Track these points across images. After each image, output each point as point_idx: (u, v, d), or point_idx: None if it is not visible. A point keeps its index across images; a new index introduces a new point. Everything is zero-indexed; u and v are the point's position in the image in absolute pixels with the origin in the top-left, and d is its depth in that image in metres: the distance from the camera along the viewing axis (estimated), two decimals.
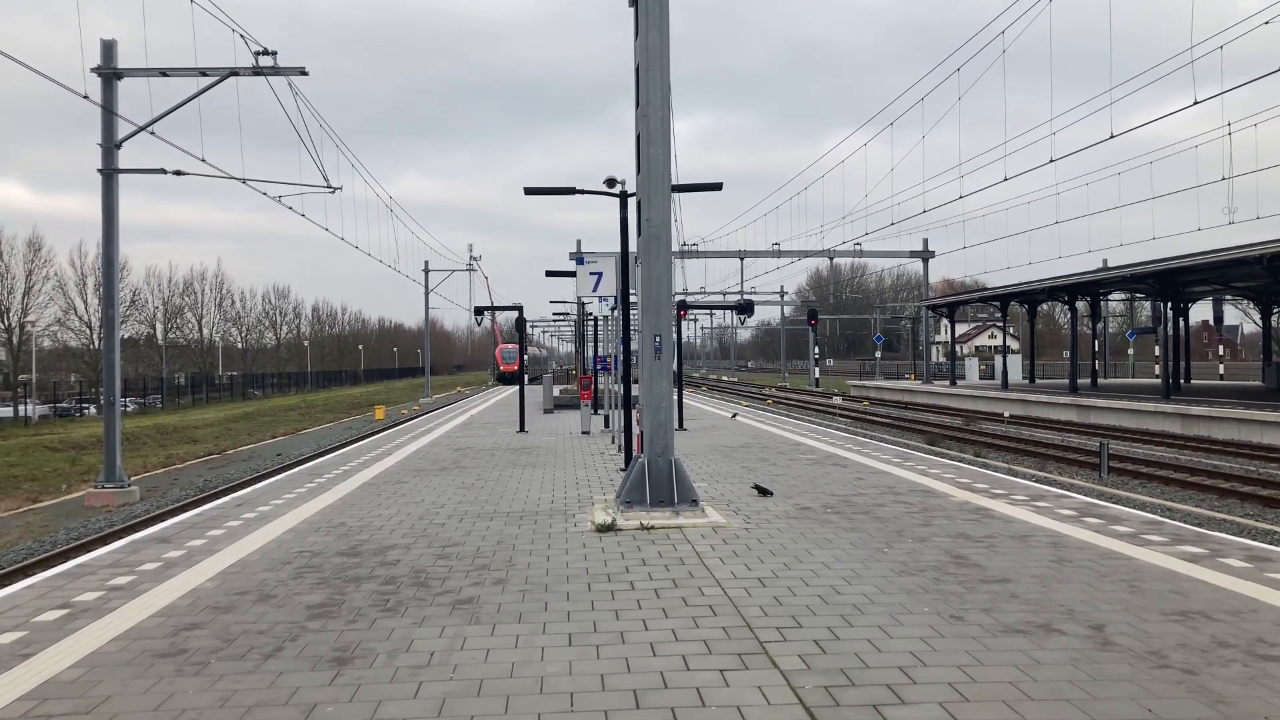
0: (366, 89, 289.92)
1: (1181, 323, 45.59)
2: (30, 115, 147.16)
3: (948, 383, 53.43)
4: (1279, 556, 7.90)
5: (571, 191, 14.95)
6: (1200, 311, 61.55)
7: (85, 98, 17.94)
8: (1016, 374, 54.03)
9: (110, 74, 20.80)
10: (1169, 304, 38.52)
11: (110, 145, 20.96)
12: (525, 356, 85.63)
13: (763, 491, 11.53)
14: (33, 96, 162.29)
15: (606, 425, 21.61)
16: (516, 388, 29.74)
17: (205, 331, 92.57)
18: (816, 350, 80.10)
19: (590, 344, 32.29)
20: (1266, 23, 16.91)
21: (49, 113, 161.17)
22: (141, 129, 20.81)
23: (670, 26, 10.46)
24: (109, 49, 20.87)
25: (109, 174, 21.05)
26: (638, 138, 10.60)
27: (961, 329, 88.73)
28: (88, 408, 52.83)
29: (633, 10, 10.61)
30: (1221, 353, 66.13)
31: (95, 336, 64.01)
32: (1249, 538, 11.37)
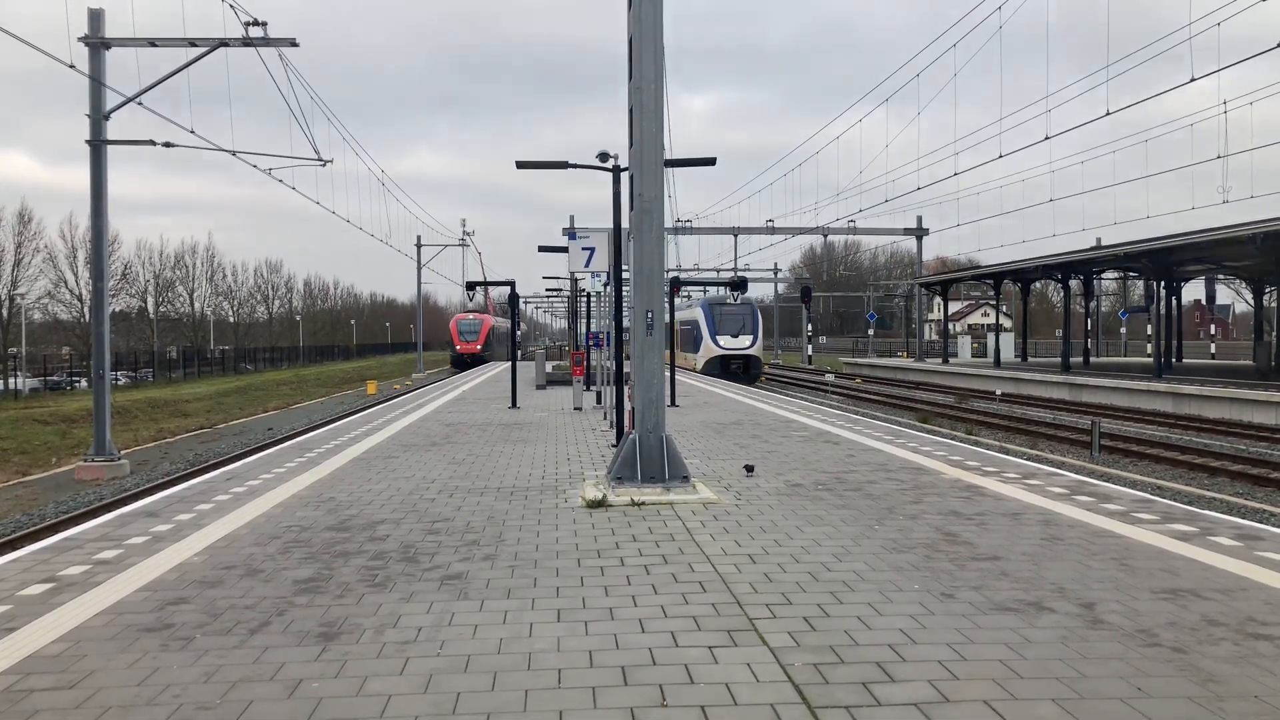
0: (389, 61, 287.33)
1: (1174, 302, 45.63)
2: (36, 87, 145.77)
3: (940, 360, 53.48)
4: (1269, 535, 7.91)
5: (563, 165, 14.84)
6: (1193, 291, 61.63)
7: (71, 67, 17.73)
8: (1009, 352, 54.07)
9: (98, 43, 20.57)
10: (1162, 283, 38.55)
11: (98, 116, 20.76)
12: (493, 331, 73.24)
13: (748, 470, 11.41)
14: (40, 69, 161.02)
15: (599, 401, 21.56)
16: (508, 364, 29.60)
17: (197, 305, 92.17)
18: (810, 327, 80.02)
19: (583, 320, 32.17)
20: None
21: (55, 84, 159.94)
22: (130, 100, 20.61)
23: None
24: (96, 18, 20.63)
25: (97, 145, 20.86)
26: (630, 111, 10.49)
27: (954, 307, 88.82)
28: (78, 381, 52.60)
29: None
30: (1213, 332, 66.31)
31: (86, 310, 63.68)
32: (1239, 516, 11.39)
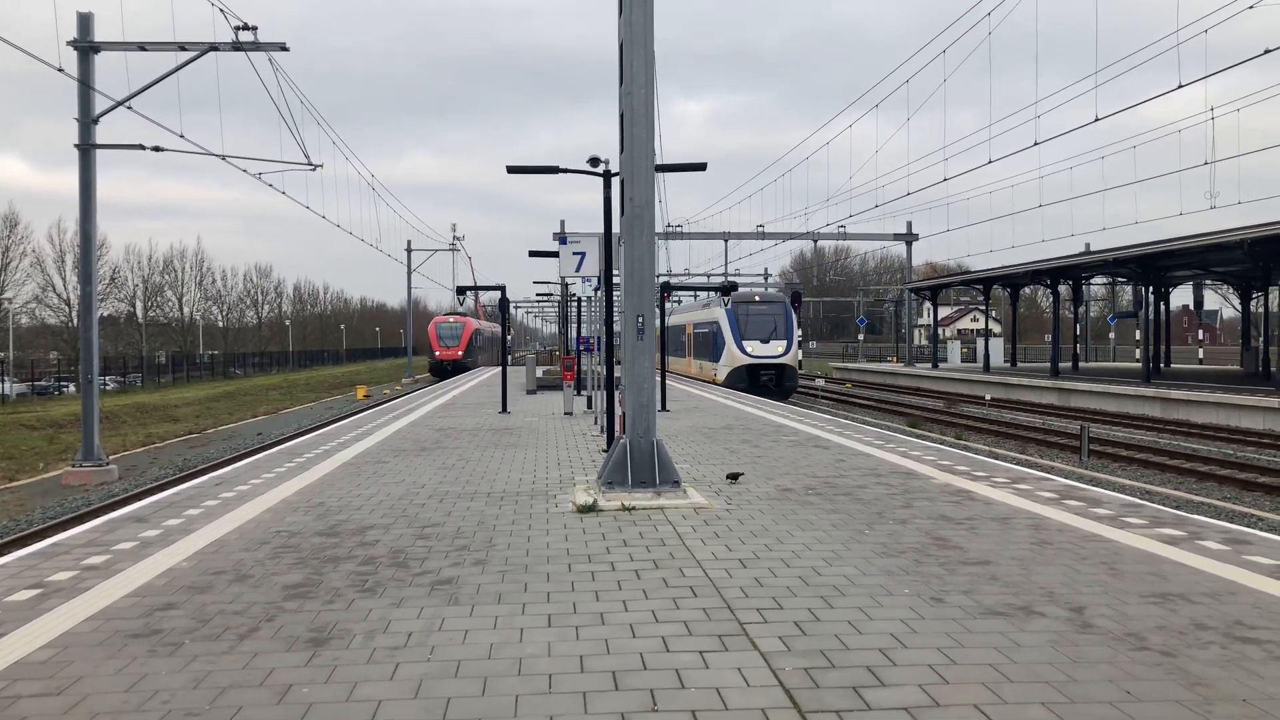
0: (386, 65, 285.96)
1: (1162, 307, 45.84)
2: (30, 90, 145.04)
3: (930, 365, 53.61)
4: (1256, 539, 7.94)
5: (554, 170, 14.84)
6: (1180, 296, 61.94)
7: (60, 70, 17.69)
8: (998, 357, 54.24)
9: (86, 47, 20.51)
10: (1150, 288, 38.75)
11: (87, 120, 20.70)
12: (477, 336, 67.15)
13: (733, 477, 11.32)
14: (33, 72, 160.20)
15: (589, 406, 21.56)
16: (499, 369, 29.45)
17: (186, 310, 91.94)
18: (800, 332, 80.00)
19: (573, 325, 32.13)
20: (1251, 6, 16.94)
21: (47, 88, 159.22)
22: (119, 104, 20.55)
23: (655, 2, 10.34)
24: (85, 22, 20.58)
25: (85, 149, 20.79)
26: (621, 116, 10.51)
27: (944, 312, 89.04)
28: (66, 386, 52.42)
29: None
30: (1201, 337, 66.61)
31: (74, 314, 63.42)
32: (1227, 520, 11.45)
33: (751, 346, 37.58)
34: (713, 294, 41.81)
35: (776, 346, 37.55)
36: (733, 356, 38.15)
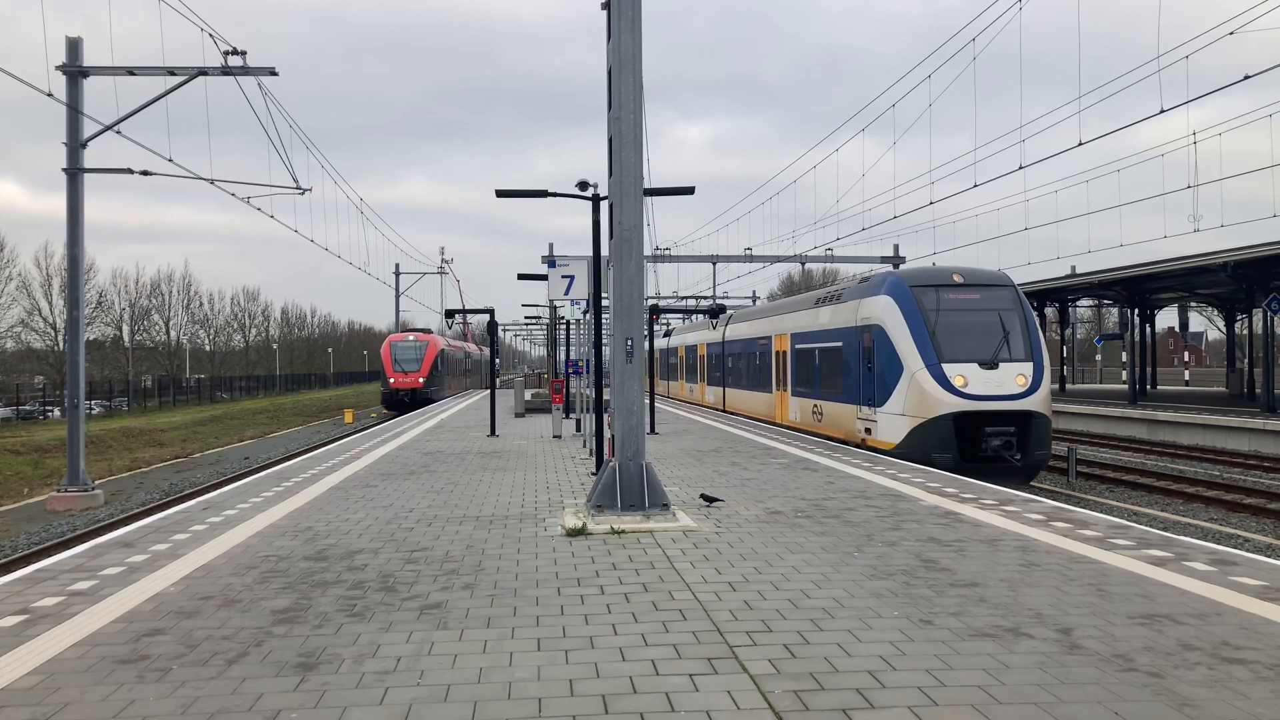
0: (389, 90, 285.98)
1: (1148, 329, 46.11)
2: (25, 115, 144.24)
3: None
4: (1243, 560, 7.99)
5: (543, 194, 14.90)
6: (1166, 318, 62.34)
7: (49, 95, 17.70)
8: None
9: (75, 72, 20.53)
10: (1136, 310, 38.97)
11: (75, 144, 20.69)
12: (442, 359, 61.33)
13: (709, 499, 11.32)
14: (28, 96, 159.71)
15: (578, 429, 21.54)
16: (486, 394, 29.23)
17: (173, 334, 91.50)
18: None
19: (562, 347, 32.11)
20: (1232, 33, 17.18)
21: (43, 112, 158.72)
22: (108, 128, 20.56)
23: (644, 30, 10.41)
24: (74, 46, 20.61)
25: (73, 173, 20.77)
26: (610, 140, 10.58)
27: None
28: (52, 410, 52.01)
29: (605, 12, 10.59)
30: (1187, 359, 66.99)
31: (60, 338, 63.11)
32: (1213, 542, 11.51)
33: (961, 375, 17.98)
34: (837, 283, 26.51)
35: (1014, 375, 18.09)
36: (922, 397, 18.16)
